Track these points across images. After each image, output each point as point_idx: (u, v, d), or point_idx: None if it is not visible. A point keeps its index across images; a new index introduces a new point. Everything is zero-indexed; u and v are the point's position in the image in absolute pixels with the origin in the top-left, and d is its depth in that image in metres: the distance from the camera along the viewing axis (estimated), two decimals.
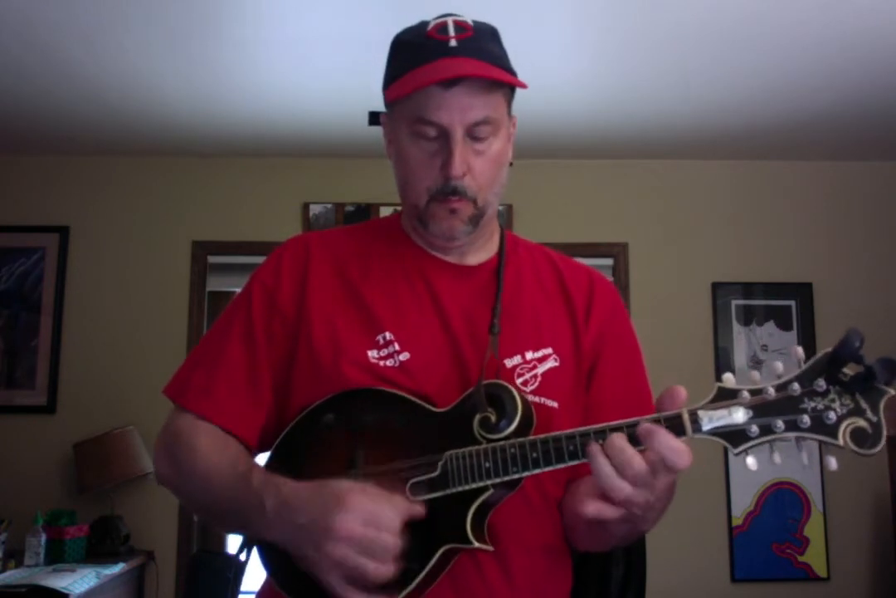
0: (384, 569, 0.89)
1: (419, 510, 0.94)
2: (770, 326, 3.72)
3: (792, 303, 3.74)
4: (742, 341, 3.71)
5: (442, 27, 1.06)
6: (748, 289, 3.75)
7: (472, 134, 1.04)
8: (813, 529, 3.58)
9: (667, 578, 3.28)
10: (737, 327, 3.72)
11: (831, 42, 2.69)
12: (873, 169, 3.85)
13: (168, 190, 3.77)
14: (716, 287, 3.75)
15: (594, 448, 0.87)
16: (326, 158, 3.76)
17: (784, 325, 3.72)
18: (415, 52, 1.05)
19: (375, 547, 0.88)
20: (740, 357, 3.68)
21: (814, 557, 3.56)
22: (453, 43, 1.04)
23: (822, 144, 3.64)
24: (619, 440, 0.86)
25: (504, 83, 1.06)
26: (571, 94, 3.12)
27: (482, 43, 1.07)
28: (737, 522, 3.58)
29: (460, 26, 1.06)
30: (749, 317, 3.74)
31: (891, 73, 2.92)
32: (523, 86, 1.04)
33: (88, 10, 2.49)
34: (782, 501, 3.59)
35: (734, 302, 3.74)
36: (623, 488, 0.86)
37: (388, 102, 1.11)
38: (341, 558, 0.88)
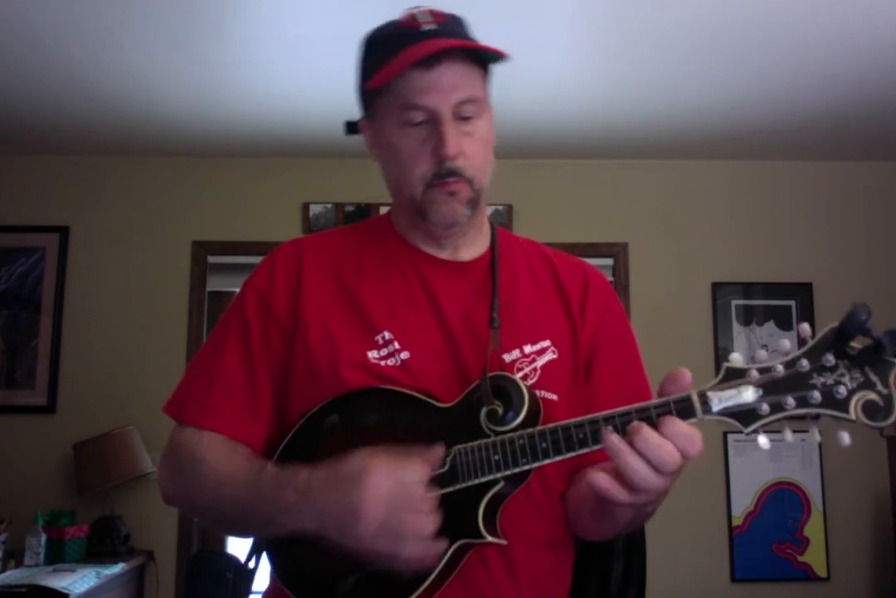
0: (427, 519, 0.89)
1: (437, 453, 0.94)
2: (770, 326, 3.72)
3: (792, 303, 3.74)
4: (742, 341, 3.71)
5: (412, 17, 1.06)
6: (748, 289, 3.75)
7: (459, 114, 1.03)
8: (813, 529, 3.58)
9: (667, 578, 3.28)
10: (737, 327, 3.72)
11: (831, 42, 2.69)
12: (873, 169, 3.85)
13: (168, 190, 3.77)
14: (716, 287, 3.75)
15: (621, 446, 0.84)
16: (326, 158, 3.77)
17: (784, 325, 3.72)
18: (391, 43, 1.05)
19: (410, 501, 0.89)
20: None
21: (814, 557, 3.56)
22: (428, 26, 1.04)
23: (822, 144, 3.64)
24: (654, 436, 0.83)
25: (481, 63, 1.06)
26: (571, 94, 3.12)
27: (455, 27, 1.07)
28: (737, 522, 3.58)
29: (433, 14, 1.07)
30: (749, 317, 3.74)
31: (891, 73, 2.92)
32: (505, 55, 1.03)
33: (88, 11, 2.49)
34: (782, 501, 3.59)
35: (734, 302, 3.75)
36: (657, 482, 0.84)
37: (368, 97, 1.10)
38: (383, 522, 0.88)
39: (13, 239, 3.68)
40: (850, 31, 2.61)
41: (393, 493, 0.88)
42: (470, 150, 1.05)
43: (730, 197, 3.83)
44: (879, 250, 3.79)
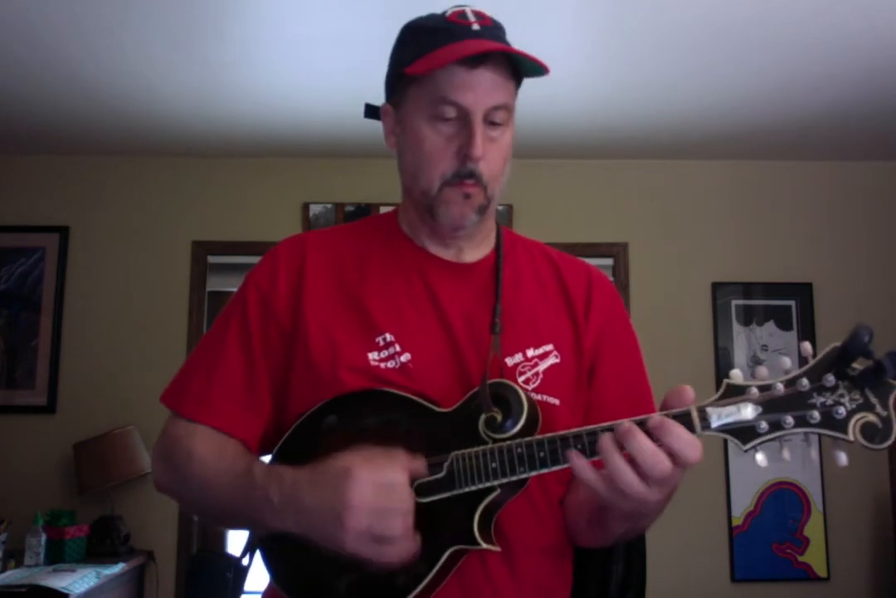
0: (407, 520, 0.90)
1: (419, 466, 0.95)
2: (770, 326, 3.72)
3: (792, 303, 3.74)
4: (742, 341, 3.71)
5: (461, 14, 1.06)
6: (748, 289, 3.75)
7: (490, 119, 1.04)
8: (813, 529, 3.58)
9: (667, 578, 3.28)
10: (737, 327, 3.72)
11: (831, 42, 2.69)
12: (873, 169, 3.85)
13: (168, 190, 3.77)
14: (716, 287, 3.75)
15: (612, 451, 0.84)
16: (326, 158, 3.76)
17: (784, 325, 3.72)
18: (438, 34, 1.04)
19: (391, 505, 0.89)
20: (740, 357, 3.68)
21: (814, 557, 3.56)
22: (476, 27, 1.04)
23: (822, 144, 3.64)
24: (646, 442, 0.83)
25: (516, 75, 1.07)
26: (571, 94, 3.12)
27: (498, 33, 1.08)
28: (737, 522, 3.58)
29: (479, 15, 1.07)
30: (749, 317, 3.74)
31: (891, 73, 2.92)
32: (546, 69, 1.04)
33: (88, 11, 2.49)
34: (782, 501, 3.59)
35: (734, 302, 3.75)
36: (643, 491, 0.84)
37: (399, 83, 1.08)
38: (367, 527, 0.89)
39: (13, 239, 3.69)
40: (850, 31, 2.61)
41: (375, 500, 0.89)
42: (491, 156, 1.05)
43: (730, 197, 3.83)
44: (879, 250, 3.79)
